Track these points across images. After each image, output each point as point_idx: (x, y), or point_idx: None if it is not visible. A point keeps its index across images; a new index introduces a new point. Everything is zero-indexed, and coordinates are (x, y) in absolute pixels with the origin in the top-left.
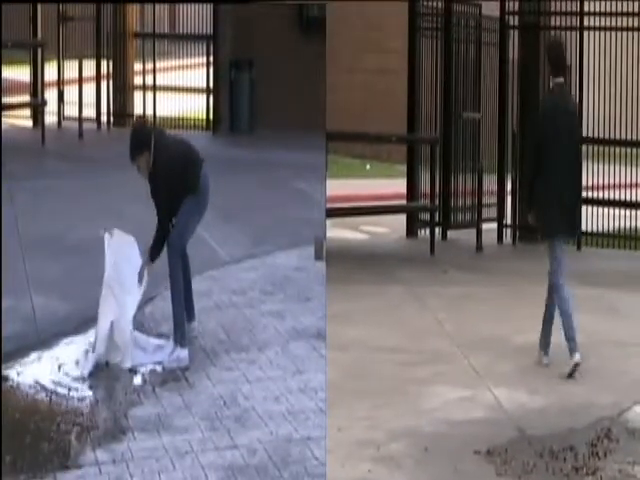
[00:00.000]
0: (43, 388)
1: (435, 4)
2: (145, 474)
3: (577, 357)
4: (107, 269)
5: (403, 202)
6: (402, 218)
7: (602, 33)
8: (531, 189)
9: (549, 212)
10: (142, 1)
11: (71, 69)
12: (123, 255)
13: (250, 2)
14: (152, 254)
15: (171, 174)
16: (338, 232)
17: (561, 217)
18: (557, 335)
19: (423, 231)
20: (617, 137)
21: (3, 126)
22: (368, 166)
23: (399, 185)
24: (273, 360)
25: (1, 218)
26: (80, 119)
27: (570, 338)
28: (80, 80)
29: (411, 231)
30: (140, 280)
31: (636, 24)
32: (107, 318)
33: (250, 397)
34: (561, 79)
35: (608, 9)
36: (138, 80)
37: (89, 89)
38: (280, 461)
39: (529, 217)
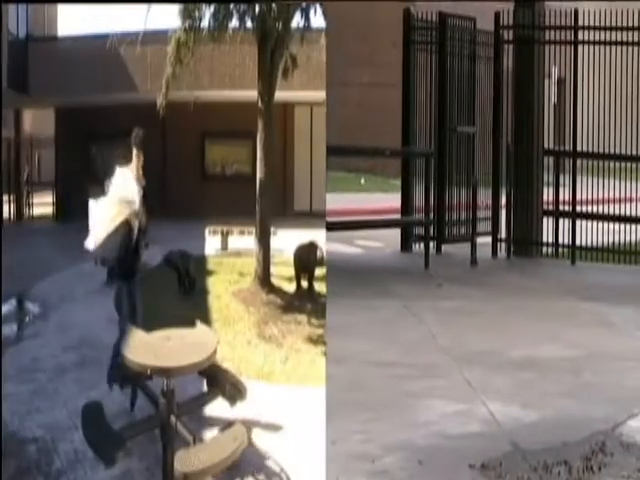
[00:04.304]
0: None
1: (430, 18)
2: None
3: None
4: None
5: (398, 216)
6: (397, 232)
7: (596, 47)
8: None
9: None
10: (142, 1)
11: None
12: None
13: (250, 2)
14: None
15: None
16: (333, 246)
17: None
18: (550, 350)
19: (418, 245)
20: (612, 151)
21: None
22: (363, 180)
23: (393, 199)
24: None
25: (1, 218)
26: None
27: None
28: None
29: (406, 245)
30: None
31: (630, 38)
32: None
33: None
34: None
35: (602, 23)
36: None
37: None
38: None
39: None
